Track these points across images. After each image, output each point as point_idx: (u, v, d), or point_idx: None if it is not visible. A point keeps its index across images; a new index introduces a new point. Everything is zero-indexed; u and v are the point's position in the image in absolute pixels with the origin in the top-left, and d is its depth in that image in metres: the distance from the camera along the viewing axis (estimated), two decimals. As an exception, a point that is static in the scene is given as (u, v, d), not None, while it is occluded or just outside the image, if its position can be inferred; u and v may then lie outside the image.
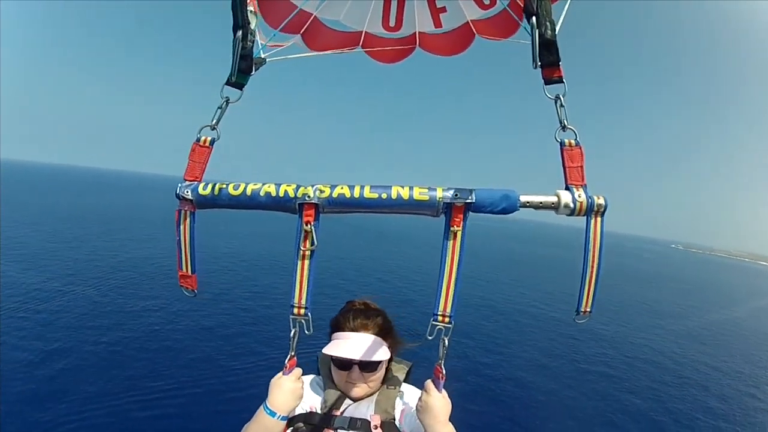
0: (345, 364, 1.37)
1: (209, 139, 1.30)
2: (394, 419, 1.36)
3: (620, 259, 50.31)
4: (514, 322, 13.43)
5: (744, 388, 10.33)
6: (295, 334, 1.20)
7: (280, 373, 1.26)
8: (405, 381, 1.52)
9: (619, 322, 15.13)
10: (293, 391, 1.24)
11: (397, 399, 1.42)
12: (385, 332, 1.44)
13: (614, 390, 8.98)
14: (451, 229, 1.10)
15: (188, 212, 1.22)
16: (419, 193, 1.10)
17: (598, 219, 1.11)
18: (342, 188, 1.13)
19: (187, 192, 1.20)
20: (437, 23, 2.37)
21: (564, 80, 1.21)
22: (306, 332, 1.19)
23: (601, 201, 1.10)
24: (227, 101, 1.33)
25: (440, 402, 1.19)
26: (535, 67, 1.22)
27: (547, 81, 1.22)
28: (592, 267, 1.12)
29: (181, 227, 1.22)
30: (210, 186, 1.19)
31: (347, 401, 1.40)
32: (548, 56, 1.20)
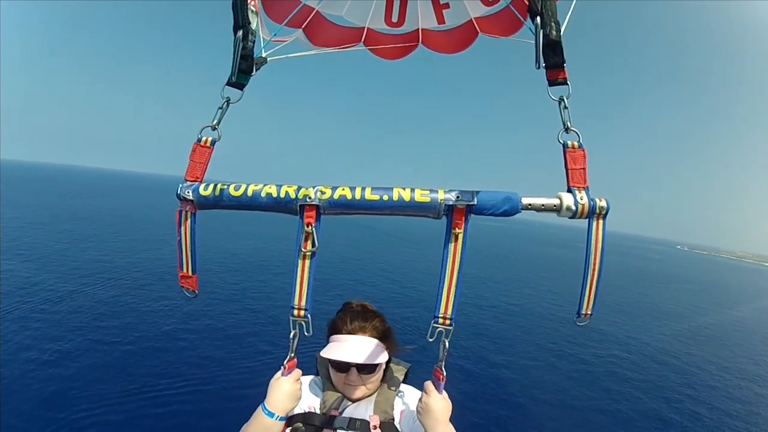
0: (343, 367, 1.39)
1: (210, 139, 1.31)
2: (393, 420, 1.39)
3: (627, 260, 50.82)
4: (522, 321, 13.59)
5: (747, 386, 10.57)
6: (294, 335, 1.22)
7: (279, 374, 1.28)
8: (403, 382, 1.54)
9: (626, 321, 15.33)
10: (292, 393, 1.26)
11: (396, 400, 1.44)
12: (382, 335, 1.46)
13: (621, 388, 9.14)
14: (453, 231, 1.11)
15: (189, 213, 1.23)
16: (421, 195, 1.11)
17: (600, 221, 1.12)
18: (343, 190, 1.14)
19: (188, 192, 1.21)
20: (440, 20, 2.37)
21: (568, 82, 1.20)
22: (306, 334, 1.20)
23: (603, 203, 1.11)
24: (228, 101, 1.34)
25: (441, 403, 1.21)
26: (539, 68, 1.22)
27: (551, 82, 1.21)
28: (594, 269, 1.12)
29: (182, 228, 1.23)
30: (211, 186, 1.20)
31: (346, 402, 1.42)
32: (553, 57, 1.20)
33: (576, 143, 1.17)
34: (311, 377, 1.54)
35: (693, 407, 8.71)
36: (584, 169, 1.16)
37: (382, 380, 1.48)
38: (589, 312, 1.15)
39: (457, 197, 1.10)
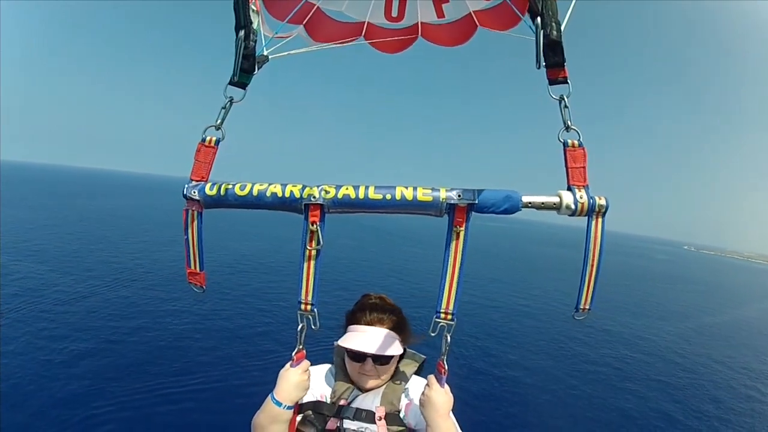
0: (359, 356, 1.44)
1: (214, 139, 1.34)
2: (399, 412, 1.44)
3: (633, 260, 51.45)
4: (528, 321, 13.83)
5: (751, 383, 10.85)
6: (302, 328, 1.27)
7: (288, 365, 1.34)
8: (417, 374, 1.60)
9: (633, 321, 15.60)
10: (299, 383, 1.32)
11: (404, 392, 1.50)
12: (399, 328, 1.52)
13: (627, 385, 9.35)
14: (454, 229, 1.16)
15: (195, 212, 1.27)
16: (423, 194, 1.15)
17: (599, 219, 1.15)
18: (347, 189, 1.17)
19: (194, 192, 1.25)
20: (440, 13, 2.41)
21: (569, 81, 1.23)
22: (312, 327, 1.26)
23: (603, 202, 1.14)
24: (231, 101, 1.37)
25: (442, 396, 1.26)
26: (539, 68, 1.24)
27: (552, 81, 1.24)
28: (592, 266, 1.16)
29: (189, 227, 1.28)
30: (216, 186, 1.24)
31: (355, 392, 1.48)
32: (553, 57, 1.22)
33: (576, 142, 1.20)
34: (326, 366, 1.61)
35: (699, 404, 8.93)
36: (584, 167, 1.19)
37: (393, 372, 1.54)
38: (587, 307, 1.19)
39: (459, 195, 1.14)
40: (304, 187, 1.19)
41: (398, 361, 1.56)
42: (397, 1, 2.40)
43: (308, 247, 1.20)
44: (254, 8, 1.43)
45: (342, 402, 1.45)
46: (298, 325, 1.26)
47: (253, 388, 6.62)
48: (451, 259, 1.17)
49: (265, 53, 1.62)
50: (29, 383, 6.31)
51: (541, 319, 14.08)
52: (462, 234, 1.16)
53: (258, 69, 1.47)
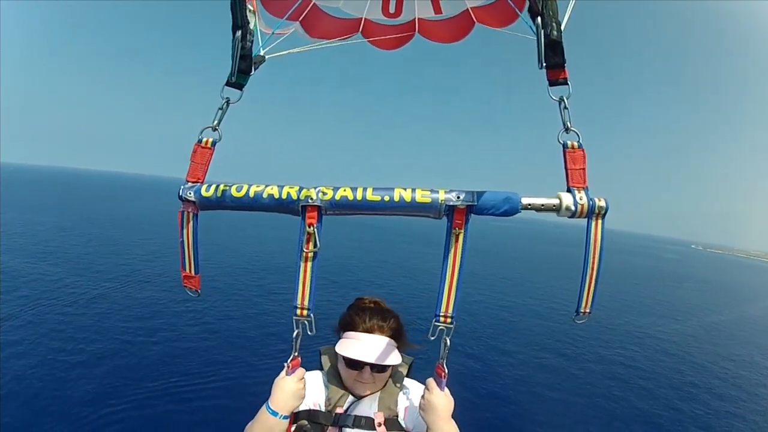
0: (358, 365, 1.42)
1: (211, 140, 1.34)
2: (397, 416, 1.43)
3: (641, 260, 52.18)
4: (536, 319, 14.07)
5: (757, 378, 11.27)
6: (297, 334, 1.26)
7: (283, 373, 1.33)
8: (407, 376, 1.58)
9: (638, 319, 15.85)
10: (295, 392, 1.30)
11: (401, 396, 1.48)
12: (397, 335, 1.50)
13: (636, 379, 9.67)
14: (453, 231, 1.15)
15: (191, 214, 1.27)
16: (421, 196, 1.14)
17: (599, 221, 1.15)
18: (345, 190, 1.17)
19: (190, 194, 1.24)
20: (437, 10, 2.41)
21: (569, 82, 1.23)
22: (309, 333, 1.25)
23: (602, 203, 1.14)
24: (228, 102, 1.37)
25: (443, 400, 1.26)
26: (540, 68, 1.24)
27: (552, 82, 1.24)
28: (592, 268, 1.16)
29: (185, 229, 1.27)
30: (213, 187, 1.24)
31: (350, 398, 1.46)
32: (553, 57, 1.22)
33: (576, 143, 1.20)
34: (316, 372, 1.57)
35: (705, 398, 9.18)
36: (584, 169, 1.19)
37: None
38: (588, 310, 1.19)
39: (458, 197, 1.14)
40: (301, 189, 1.19)
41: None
42: (394, -3, 2.41)
43: (305, 250, 1.20)
44: (251, 8, 1.44)
45: (338, 409, 1.43)
46: (293, 331, 1.25)
47: (266, 387, 6.85)
48: (450, 262, 1.17)
49: (262, 53, 1.62)
50: (40, 382, 6.50)
51: (550, 318, 14.29)
52: (461, 236, 1.16)
53: (255, 70, 1.48)
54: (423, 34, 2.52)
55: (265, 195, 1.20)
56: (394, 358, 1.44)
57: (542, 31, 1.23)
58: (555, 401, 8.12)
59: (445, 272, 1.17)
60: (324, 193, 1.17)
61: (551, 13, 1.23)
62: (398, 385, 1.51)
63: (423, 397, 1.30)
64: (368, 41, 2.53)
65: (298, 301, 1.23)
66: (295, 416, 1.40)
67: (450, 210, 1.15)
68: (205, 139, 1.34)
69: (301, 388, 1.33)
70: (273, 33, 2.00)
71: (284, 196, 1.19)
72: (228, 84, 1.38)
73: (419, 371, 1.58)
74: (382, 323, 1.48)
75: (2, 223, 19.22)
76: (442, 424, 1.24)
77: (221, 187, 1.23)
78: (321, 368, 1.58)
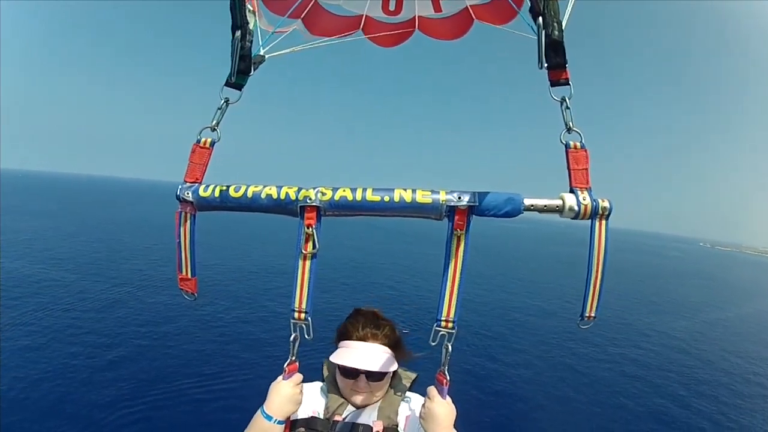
0: (352, 373, 1.42)
1: (209, 140, 1.34)
2: (397, 426, 1.42)
3: (647, 258, 52.70)
4: (536, 321, 14.20)
5: (762, 372, 11.61)
6: (295, 338, 1.25)
7: (280, 377, 1.31)
8: (410, 390, 1.56)
9: (647, 317, 16.10)
10: (291, 397, 1.29)
11: (402, 406, 1.47)
12: (393, 343, 1.50)
13: (644, 376, 9.90)
14: (455, 232, 1.13)
15: (189, 214, 1.26)
16: (422, 196, 1.13)
17: (603, 222, 1.13)
18: (344, 191, 1.16)
19: (188, 194, 1.24)
20: (437, 7, 2.44)
21: (570, 82, 1.22)
22: (306, 337, 1.23)
23: (606, 204, 1.12)
24: (227, 102, 1.37)
25: (444, 408, 1.23)
26: (541, 69, 1.23)
27: (553, 83, 1.22)
28: (597, 271, 1.13)
29: (182, 229, 1.27)
30: (211, 188, 1.23)
31: (349, 407, 1.46)
32: (555, 58, 1.21)
33: (578, 144, 1.19)
34: (318, 383, 1.57)
35: (714, 394, 9.39)
36: (586, 169, 1.17)
37: (389, 387, 1.52)
38: (593, 315, 1.16)
39: (459, 198, 1.12)
40: (299, 189, 1.18)
41: (393, 374, 1.54)
42: (395, -6, 2.42)
43: (303, 251, 1.19)
44: (251, 8, 1.44)
45: (337, 417, 1.43)
46: (291, 335, 1.24)
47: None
48: (451, 265, 1.14)
49: (262, 53, 1.62)
50: (55, 386, 6.68)
51: (561, 317, 14.50)
52: (463, 238, 1.14)
53: (254, 70, 1.47)
54: (423, 31, 2.55)
55: (263, 195, 1.19)
56: (388, 366, 1.42)
57: (543, 32, 1.22)
58: (564, 399, 8.20)
59: (447, 276, 1.15)
60: (323, 194, 1.16)
61: (553, 13, 1.22)
62: (399, 394, 1.50)
63: (424, 405, 1.28)
64: (368, 38, 2.54)
65: (296, 304, 1.21)
66: (292, 423, 1.39)
67: (451, 211, 1.13)
68: (203, 139, 1.34)
69: (298, 393, 1.32)
70: (274, 31, 2.01)
71: (282, 196, 1.18)
72: (227, 84, 1.38)
73: (421, 385, 1.56)
74: (376, 331, 1.48)
75: (9, 231, 19.70)
76: None
77: (219, 187, 1.22)
78: (323, 379, 1.59)
